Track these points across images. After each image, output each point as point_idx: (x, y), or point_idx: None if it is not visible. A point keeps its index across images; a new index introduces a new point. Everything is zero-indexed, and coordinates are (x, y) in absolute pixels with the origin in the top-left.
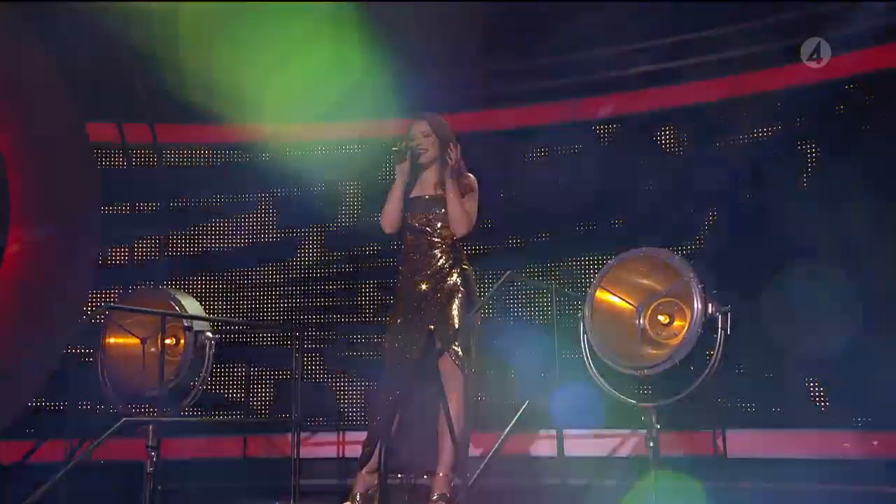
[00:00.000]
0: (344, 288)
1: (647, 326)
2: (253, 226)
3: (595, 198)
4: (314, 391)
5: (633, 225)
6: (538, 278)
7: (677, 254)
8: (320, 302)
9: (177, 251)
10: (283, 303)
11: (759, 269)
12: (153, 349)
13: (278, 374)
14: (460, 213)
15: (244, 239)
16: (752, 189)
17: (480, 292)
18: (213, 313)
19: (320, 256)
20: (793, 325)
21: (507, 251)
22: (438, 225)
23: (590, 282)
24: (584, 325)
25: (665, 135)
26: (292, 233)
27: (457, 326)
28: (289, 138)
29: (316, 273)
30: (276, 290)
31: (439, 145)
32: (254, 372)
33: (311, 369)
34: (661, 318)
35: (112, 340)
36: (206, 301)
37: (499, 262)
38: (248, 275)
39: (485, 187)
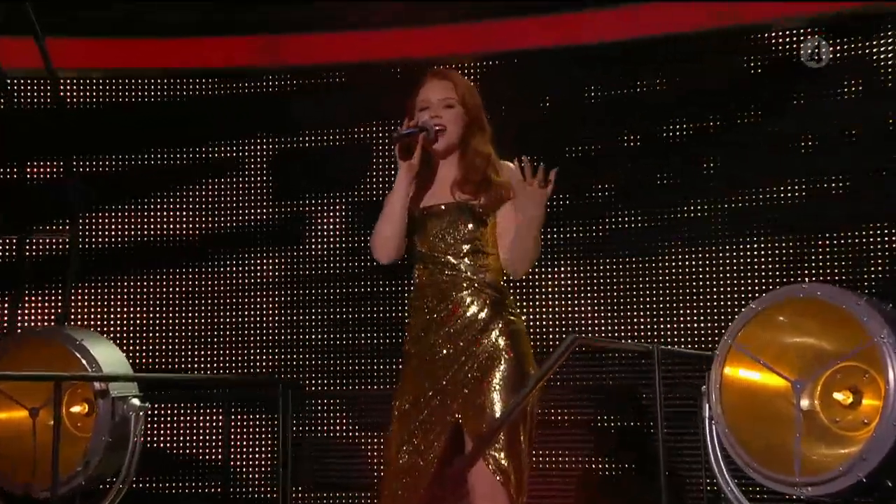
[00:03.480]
0: (373, 292)
1: (818, 408)
2: (228, 199)
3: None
4: (327, 453)
5: (777, 213)
6: (623, 321)
7: (863, 292)
8: (338, 314)
9: (97, 242)
10: (279, 318)
11: None
12: (50, 423)
13: (275, 422)
14: (532, 252)
15: (212, 221)
16: None
17: (536, 355)
18: (157, 349)
19: (338, 243)
20: None
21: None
22: (465, 249)
23: (711, 336)
24: (707, 410)
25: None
26: (294, 209)
27: (499, 416)
28: (288, 58)
29: (331, 269)
30: (265, 299)
31: (466, 123)
32: (238, 420)
33: (324, 419)
34: (839, 395)
35: None
36: (144, 327)
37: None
38: (217, 277)
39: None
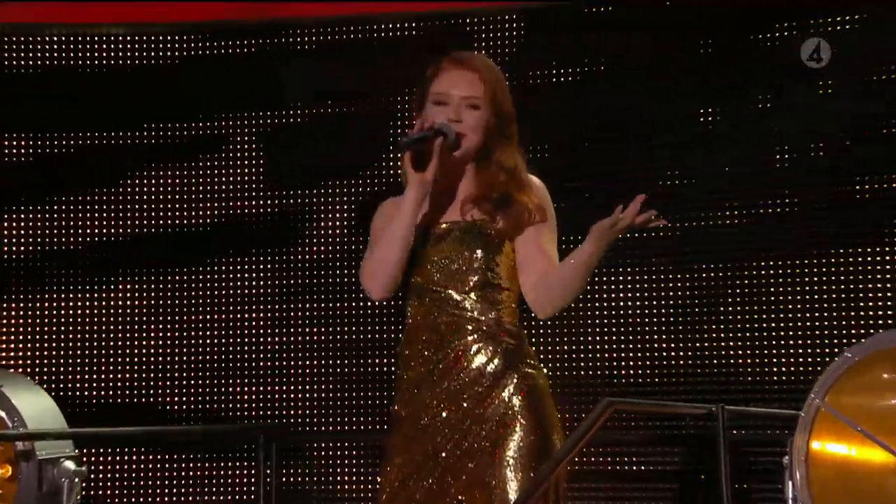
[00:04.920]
0: (386, 306)
1: None
2: (203, 189)
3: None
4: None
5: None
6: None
7: None
8: (343, 334)
9: (20, 249)
10: (266, 340)
11: None
12: None
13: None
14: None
15: (182, 218)
16: None
17: (565, 423)
18: (102, 392)
19: (343, 245)
20: None
21: None
22: (473, 282)
23: (790, 391)
24: (791, 489)
25: None
26: (292, 200)
27: (513, 499)
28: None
29: (333, 279)
30: (249, 317)
31: (495, 124)
32: (213, 470)
33: (324, 467)
34: None
35: None
36: (85, 362)
37: None
38: (187, 291)
39: None
